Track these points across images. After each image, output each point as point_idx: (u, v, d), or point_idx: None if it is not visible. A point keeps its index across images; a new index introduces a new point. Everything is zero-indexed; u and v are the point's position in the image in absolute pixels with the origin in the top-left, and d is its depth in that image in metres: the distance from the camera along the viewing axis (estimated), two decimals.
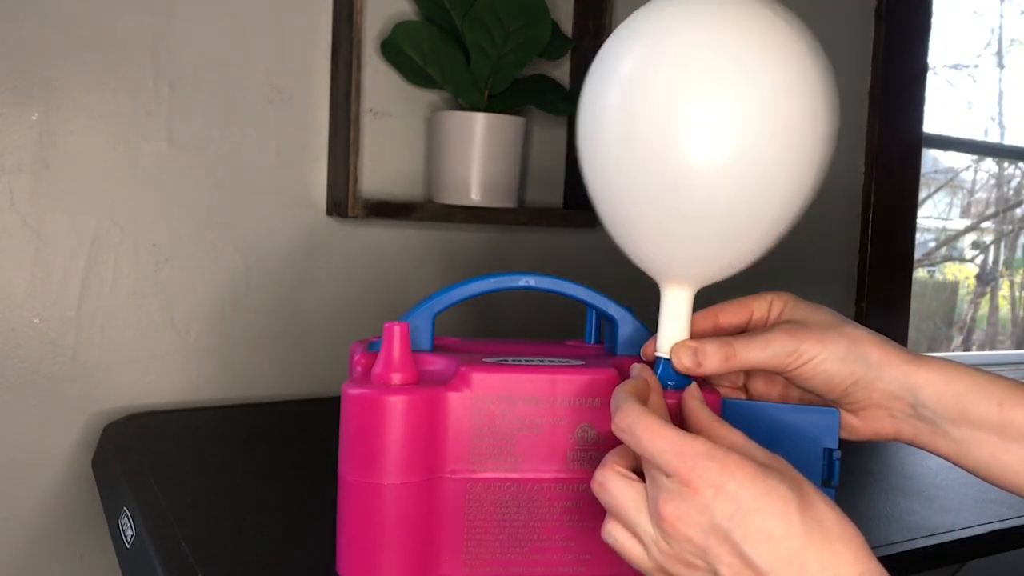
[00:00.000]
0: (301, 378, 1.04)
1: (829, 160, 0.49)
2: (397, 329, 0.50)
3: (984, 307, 2.25)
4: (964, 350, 2.19)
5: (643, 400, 0.44)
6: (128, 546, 0.65)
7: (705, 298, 0.53)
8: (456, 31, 1.03)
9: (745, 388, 0.55)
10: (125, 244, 0.94)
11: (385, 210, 1.00)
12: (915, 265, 1.57)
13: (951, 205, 2.23)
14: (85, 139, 0.91)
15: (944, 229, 2.21)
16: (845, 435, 0.51)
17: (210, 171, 0.97)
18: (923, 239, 2.11)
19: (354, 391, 0.49)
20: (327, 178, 1.03)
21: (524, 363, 0.52)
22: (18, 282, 0.89)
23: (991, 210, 2.23)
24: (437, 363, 0.52)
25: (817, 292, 1.41)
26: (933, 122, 1.56)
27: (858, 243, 1.49)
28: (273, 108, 1.00)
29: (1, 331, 0.89)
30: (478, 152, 1.02)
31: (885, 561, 0.39)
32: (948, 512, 0.75)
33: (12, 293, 0.89)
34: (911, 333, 1.58)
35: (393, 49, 1.02)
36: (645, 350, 0.52)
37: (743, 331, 0.52)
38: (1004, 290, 2.25)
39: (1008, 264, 2.26)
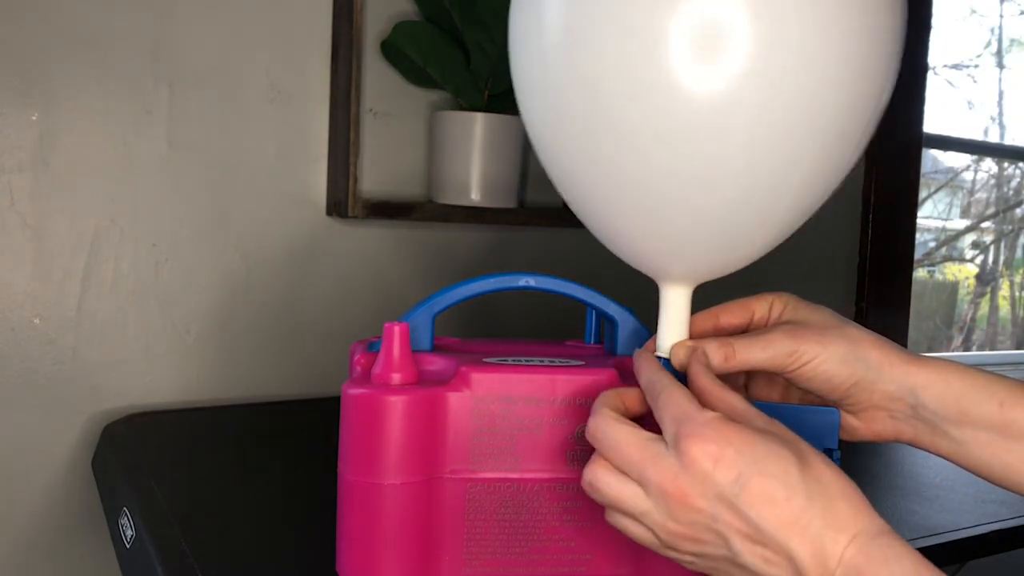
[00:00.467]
0: (301, 378, 1.04)
1: (872, 129, 0.45)
2: (397, 329, 0.50)
3: (984, 307, 2.25)
4: (964, 350, 2.19)
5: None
6: (128, 546, 0.65)
7: (706, 299, 0.53)
8: (456, 31, 1.03)
9: (746, 389, 0.55)
10: (125, 244, 0.94)
11: (385, 210, 1.00)
12: (915, 265, 1.57)
13: (951, 205, 2.23)
14: (85, 139, 0.91)
15: (944, 229, 2.21)
16: (845, 436, 0.51)
17: (210, 171, 0.97)
18: (923, 239, 2.11)
19: (354, 391, 0.49)
20: (327, 178, 1.03)
21: (524, 363, 0.52)
22: (18, 282, 0.89)
23: (991, 210, 2.23)
24: (437, 363, 0.52)
25: (817, 292, 1.41)
26: (933, 122, 1.56)
27: (858, 243, 1.49)
28: (273, 108, 1.00)
29: (1, 331, 0.89)
30: (478, 152, 1.02)
31: None
32: (948, 512, 0.75)
33: (12, 293, 0.89)
34: (911, 333, 1.58)
35: (393, 49, 1.02)
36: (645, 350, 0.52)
37: (744, 332, 0.52)
38: (1004, 290, 2.25)
39: (1008, 264, 2.26)
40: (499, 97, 1.05)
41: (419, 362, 0.51)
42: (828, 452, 0.50)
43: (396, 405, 0.48)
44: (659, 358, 0.51)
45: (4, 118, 0.87)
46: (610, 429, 0.43)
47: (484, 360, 0.52)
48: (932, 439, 0.48)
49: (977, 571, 0.80)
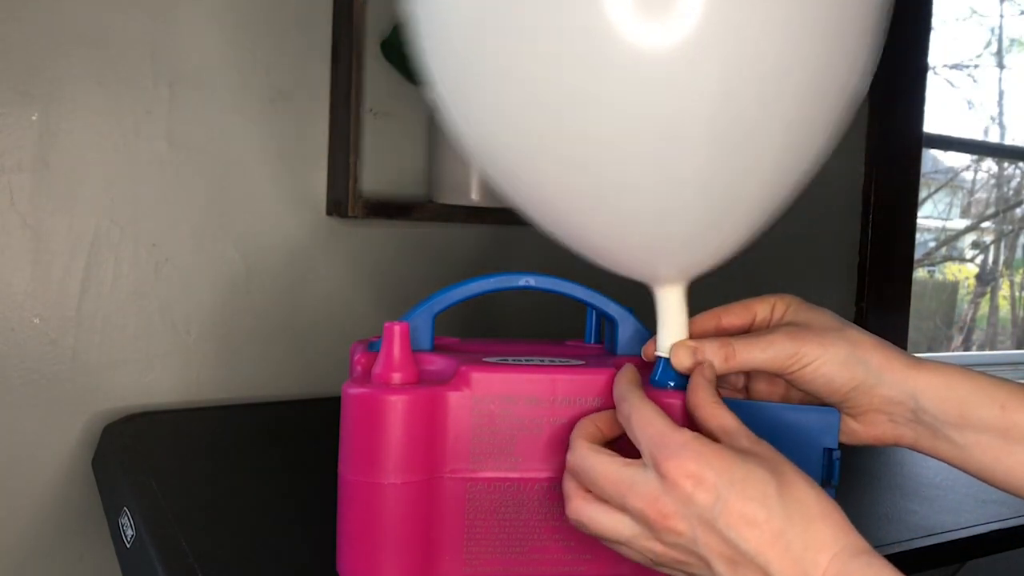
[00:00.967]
0: (301, 378, 1.04)
1: (853, 108, 0.42)
2: (397, 329, 0.50)
3: (984, 307, 2.25)
4: (964, 350, 2.19)
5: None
6: (128, 546, 0.65)
7: (708, 301, 0.53)
8: None
9: (746, 390, 0.55)
10: (125, 244, 0.94)
11: (385, 210, 1.00)
12: (915, 265, 1.57)
13: (951, 205, 2.23)
14: (85, 139, 0.91)
15: (944, 229, 2.21)
16: (846, 439, 0.51)
17: (210, 171, 0.97)
18: (923, 239, 2.11)
19: (354, 391, 0.49)
20: (327, 178, 1.03)
21: (524, 363, 0.52)
22: (18, 282, 0.89)
23: (991, 210, 2.23)
24: (437, 363, 0.52)
25: (817, 292, 1.41)
26: (933, 122, 1.56)
27: (858, 243, 1.49)
28: (273, 108, 1.00)
29: (1, 331, 0.89)
30: None
31: None
32: (948, 512, 0.75)
33: (12, 293, 0.89)
34: (911, 333, 1.58)
35: (393, 49, 1.02)
36: (646, 350, 0.52)
37: (746, 333, 0.52)
38: (1004, 290, 2.25)
39: (1008, 264, 2.26)
40: None
41: (419, 362, 0.51)
42: (828, 452, 0.50)
43: (396, 405, 0.48)
44: (659, 358, 0.51)
45: (4, 118, 0.87)
46: (587, 461, 0.44)
47: (484, 360, 0.52)
48: (933, 443, 0.48)
49: (977, 571, 0.80)
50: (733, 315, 0.52)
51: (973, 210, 2.23)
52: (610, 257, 0.48)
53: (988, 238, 2.25)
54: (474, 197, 1.03)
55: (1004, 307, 2.27)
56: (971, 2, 2.01)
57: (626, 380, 0.46)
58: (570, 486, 0.45)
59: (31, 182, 0.89)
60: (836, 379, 0.48)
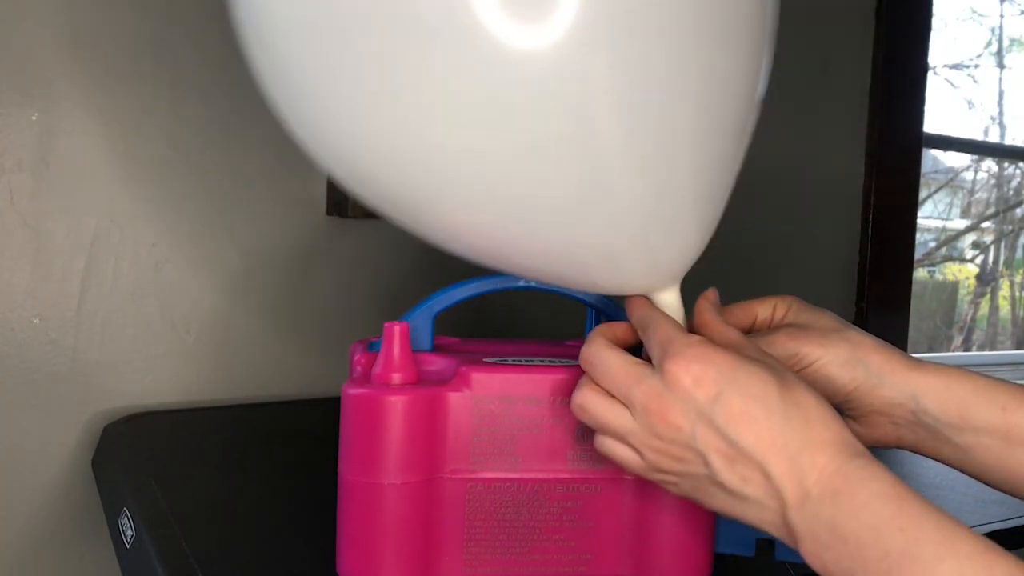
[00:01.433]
0: (301, 378, 1.04)
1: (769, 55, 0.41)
2: (397, 329, 0.50)
3: (984, 307, 2.25)
4: (964, 350, 2.19)
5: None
6: (128, 546, 0.65)
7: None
8: None
9: None
10: (125, 244, 0.94)
11: None
12: (915, 265, 1.57)
13: (951, 205, 2.23)
14: (85, 139, 0.91)
15: (944, 229, 2.21)
16: None
17: (210, 171, 0.97)
18: (923, 239, 2.11)
19: (354, 391, 0.49)
20: (327, 178, 1.03)
21: (524, 363, 0.52)
22: (18, 282, 0.89)
23: (991, 210, 2.23)
24: (437, 363, 0.53)
25: (817, 292, 1.41)
26: (933, 122, 1.56)
27: (858, 243, 1.49)
28: None
29: (1, 331, 0.89)
30: None
31: None
32: (948, 512, 0.75)
33: (12, 293, 0.89)
34: (911, 333, 1.58)
35: None
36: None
37: (747, 334, 0.52)
38: (1004, 290, 2.25)
39: (1008, 264, 2.26)
40: None
41: (419, 362, 0.51)
42: None
43: (396, 405, 0.48)
44: None
45: (4, 118, 0.87)
46: (601, 354, 0.44)
47: (484, 360, 0.52)
48: (934, 445, 0.48)
49: None
50: (734, 316, 0.52)
51: (973, 210, 2.23)
52: (573, 276, 0.47)
53: (988, 238, 2.25)
54: None
55: (1004, 307, 2.27)
56: (971, 2, 2.01)
57: (646, 303, 0.47)
58: (581, 378, 0.46)
59: (31, 182, 0.89)
60: (837, 380, 0.48)
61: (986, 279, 2.22)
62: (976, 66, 2.11)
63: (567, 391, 0.50)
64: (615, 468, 0.51)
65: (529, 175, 0.38)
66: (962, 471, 0.48)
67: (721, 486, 0.40)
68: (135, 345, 0.95)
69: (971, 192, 2.24)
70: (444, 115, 0.36)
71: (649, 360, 0.44)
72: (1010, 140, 2.14)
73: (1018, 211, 2.24)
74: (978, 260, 2.24)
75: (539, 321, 1.13)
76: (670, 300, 0.49)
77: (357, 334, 1.03)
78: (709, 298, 0.48)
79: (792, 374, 0.42)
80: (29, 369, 0.90)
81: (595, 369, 0.45)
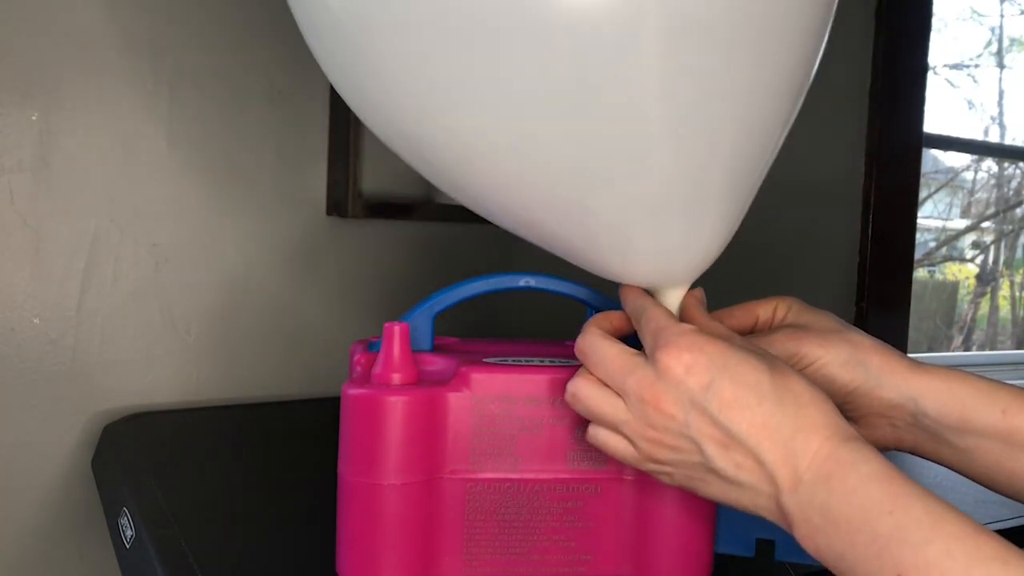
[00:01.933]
0: (301, 378, 1.04)
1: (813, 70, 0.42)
2: (397, 329, 0.50)
3: (984, 307, 2.25)
4: (964, 350, 2.19)
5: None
6: (128, 546, 0.65)
7: (709, 303, 0.52)
8: None
9: None
10: (125, 244, 0.94)
11: (385, 210, 1.00)
12: (915, 265, 1.57)
13: (951, 205, 2.23)
14: (85, 139, 0.91)
15: (944, 229, 2.21)
16: None
17: (210, 171, 0.97)
18: (923, 239, 2.11)
19: (354, 391, 0.49)
20: (327, 178, 1.03)
21: (524, 363, 0.52)
22: (18, 282, 0.89)
23: (991, 210, 2.23)
24: (437, 363, 0.53)
25: (817, 292, 1.41)
26: (933, 122, 1.56)
27: (858, 243, 1.49)
28: (273, 108, 1.00)
29: (1, 331, 0.89)
30: None
31: None
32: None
33: (12, 293, 0.89)
34: (911, 333, 1.58)
35: None
36: None
37: (748, 335, 0.52)
38: (1004, 290, 2.25)
39: (1008, 264, 2.26)
40: None
41: (419, 362, 0.51)
42: None
43: (396, 405, 0.48)
44: None
45: (4, 118, 0.87)
46: (595, 344, 0.45)
47: (484, 360, 0.52)
48: (934, 447, 0.48)
49: None
50: (735, 317, 0.53)
51: (973, 210, 2.23)
52: (591, 262, 0.48)
53: (988, 238, 2.25)
54: None
55: (1004, 307, 2.27)
56: (971, 2, 2.01)
57: (639, 292, 0.48)
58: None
59: (31, 182, 0.89)
60: (836, 380, 0.48)
61: (986, 279, 2.23)
62: (976, 66, 2.11)
63: None
64: (615, 468, 0.51)
65: (567, 132, 0.40)
66: (962, 474, 0.48)
67: (715, 473, 0.41)
68: (135, 345, 0.95)
69: (971, 192, 2.24)
70: (496, 76, 0.38)
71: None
72: (1010, 140, 2.14)
73: (1018, 211, 2.24)
74: (978, 260, 2.24)
75: (539, 321, 1.13)
76: (673, 301, 0.49)
77: (357, 334, 1.03)
78: (696, 295, 0.48)
79: (782, 361, 0.42)
80: (29, 369, 0.90)
81: (589, 359, 0.45)
